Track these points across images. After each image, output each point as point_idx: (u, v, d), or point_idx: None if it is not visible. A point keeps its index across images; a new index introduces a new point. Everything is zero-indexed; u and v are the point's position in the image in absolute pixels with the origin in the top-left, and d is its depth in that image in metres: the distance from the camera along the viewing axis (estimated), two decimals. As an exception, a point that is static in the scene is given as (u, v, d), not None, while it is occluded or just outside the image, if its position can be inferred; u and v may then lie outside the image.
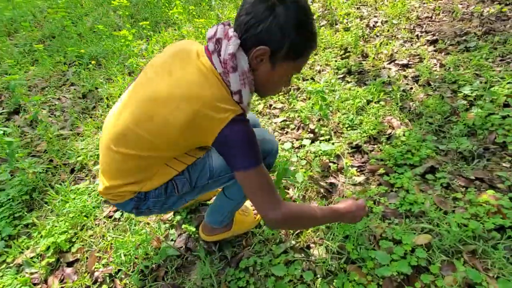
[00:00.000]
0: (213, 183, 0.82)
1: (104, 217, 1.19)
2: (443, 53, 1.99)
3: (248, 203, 1.13)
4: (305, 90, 1.80)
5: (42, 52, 2.43)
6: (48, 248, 1.08)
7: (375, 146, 1.38)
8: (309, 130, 1.51)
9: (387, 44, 2.19)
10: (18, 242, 1.12)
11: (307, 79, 1.92)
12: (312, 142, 1.42)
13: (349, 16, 2.71)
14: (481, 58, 1.82)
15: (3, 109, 1.93)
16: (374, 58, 2.07)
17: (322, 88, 1.42)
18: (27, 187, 1.33)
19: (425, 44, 2.14)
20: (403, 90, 1.70)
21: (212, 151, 0.81)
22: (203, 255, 0.98)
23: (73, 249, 1.09)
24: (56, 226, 1.14)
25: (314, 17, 0.67)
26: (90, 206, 1.22)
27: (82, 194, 1.27)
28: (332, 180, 1.24)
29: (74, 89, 2.17)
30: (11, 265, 1.06)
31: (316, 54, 2.21)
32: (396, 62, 2.00)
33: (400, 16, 2.53)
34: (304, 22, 0.61)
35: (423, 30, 2.32)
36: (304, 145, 1.39)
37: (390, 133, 1.42)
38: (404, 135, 1.37)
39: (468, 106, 1.50)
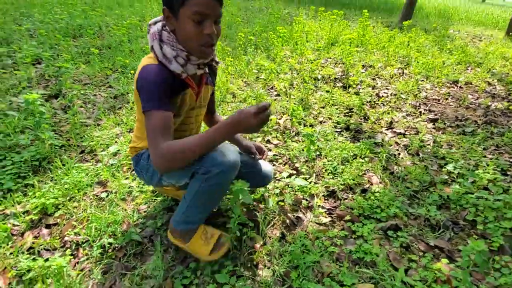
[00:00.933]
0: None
1: (93, 195, 1.34)
2: (440, 132, 2.12)
3: (211, 230, 1.07)
4: (300, 133, 1.97)
5: (95, 56, 2.88)
6: (36, 207, 1.22)
7: (350, 195, 1.46)
8: (294, 167, 1.64)
9: (389, 113, 2.37)
10: (14, 196, 1.27)
11: (307, 125, 2.10)
12: (291, 177, 1.54)
13: (362, 84, 2.98)
14: (474, 143, 1.92)
15: (45, 91, 2.27)
16: (374, 122, 2.24)
17: (313, 133, 1.58)
18: (40, 155, 1.53)
19: (425, 121, 2.29)
20: (391, 154, 1.81)
21: None
22: (160, 250, 1.07)
23: (56, 214, 1.22)
24: (50, 192, 1.29)
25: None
26: (85, 183, 1.38)
27: (81, 172, 1.44)
28: (300, 214, 1.32)
29: (110, 90, 2.50)
30: (5, 212, 1.20)
31: (323, 108, 2.43)
32: (394, 130, 2.15)
33: (409, 93, 2.75)
34: None
35: (427, 108, 2.50)
36: (283, 178, 1.50)
37: (367, 187, 1.51)
38: (379, 191, 1.45)
39: (449, 182, 1.56)
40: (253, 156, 1.19)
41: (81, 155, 1.63)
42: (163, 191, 1.27)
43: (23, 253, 1.05)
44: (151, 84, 0.78)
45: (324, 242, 1.15)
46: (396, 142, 1.97)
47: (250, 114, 0.73)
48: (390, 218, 1.31)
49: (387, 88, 2.91)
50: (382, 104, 2.57)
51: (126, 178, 1.45)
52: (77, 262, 1.04)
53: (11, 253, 1.05)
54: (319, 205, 1.37)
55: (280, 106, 2.37)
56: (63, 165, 1.49)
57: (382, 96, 2.72)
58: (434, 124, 2.23)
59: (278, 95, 2.64)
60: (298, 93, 2.62)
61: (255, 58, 3.46)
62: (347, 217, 1.29)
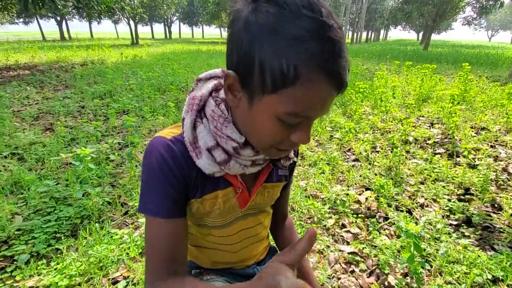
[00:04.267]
0: None
1: (109, 280, 1.07)
2: None
3: None
4: (394, 223, 1.39)
5: (170, 109, 3.05)
6: (48, 287, 1.01)
7: None
8: (386, 284, 1.07)
9: (538, 203, 1.56)
10: (35, 264, 1.11)
11: (401, 210, 1.51)
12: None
13: (477, 152, 2.22)
14: None
15: (122, 140, 2.38)
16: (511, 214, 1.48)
17: (419, 232, 1.03)
18: (86, 212, 1.42)
19: None
20: None
21: None
22: None
23: (63, 302, 0.98)
24: (70, 266, 1.09)
25: (341, 32, 0.36)
26: (110, 259, 1.15)
27: (113, 243, 1.23)
28: None
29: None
30: (16, 285, 1.03)
31: (422, 183, 1.80)
32: (555, 234, 1.34)
33: None
34: (291, 19, 0.33)
35: None
36: (371, 306, 0.95)
37: None
38: None
39: None
40: None
41: (123, 217, 1.45)
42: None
43: None
44: (151, 172, 0.45)
45: None
46: None
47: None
48: None
49: (519, 162, 2.07)
50: (518, 186, 1.76)
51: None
52: None
53: None
54: None
55: (361, 176, 1.85)
56: (102, 228, 1.32)
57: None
58: None
59: (356, 159, 2.14)
60: (384, 159, 2.07)
61: (330, 114, 3.11)
62: None
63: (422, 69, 4.16)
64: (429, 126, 2.92)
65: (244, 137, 0.44)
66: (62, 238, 1.26)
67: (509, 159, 2.15)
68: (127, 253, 1.19)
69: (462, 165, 1.99)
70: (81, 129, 2.54)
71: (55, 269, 1.10)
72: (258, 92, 0.37)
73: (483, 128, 2.79)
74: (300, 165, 2.04)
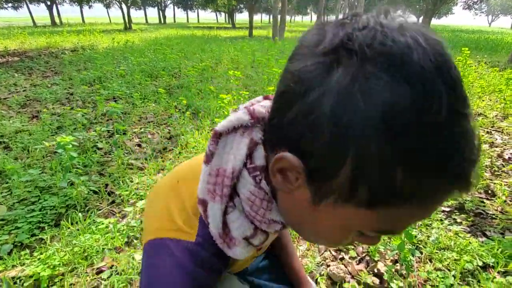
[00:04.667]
0: None
1: (94, 269, 1.05)
2: None
3: None
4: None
5: (161, 95, 2.97)
6: (30, 277, 0.99)
7: None
8: (375, 270, 1.05)
9: (532, 190, 1.55)
10: (19, 254, 1.09)
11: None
12: (373, 293, 0.96)
13: (474, 138, 2.19)
14: None
15: (111, 128, 2.32)
16: (505, 201, 1.47)
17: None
18: (71, 201, 1.38)
19: None
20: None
21: None
22: None
23: (46, 292, 0.96)
24: (54, 256, 1.07)
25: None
26: (95, 249, 1.12)
27: (98, 232, 1.20)
28: None
29: (167, 130, 2.43)
30: None
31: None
32: (547, 220, 1.33)
33: (559, 158, 1.84)
34: (415, 115, 0.21)
35: None
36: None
37: None
38: None
39: None
40: None
41: (110, 206, 1.42)
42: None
43: None
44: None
45: None
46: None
47: None
48: None
49: (517, 149, 2.04)
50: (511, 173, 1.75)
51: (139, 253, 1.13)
52: None
53: None
54: None
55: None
56: (87, 217, 1.28)
57: (510, 161, 1.88)
58: None
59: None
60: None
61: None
62: None
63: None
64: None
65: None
66: (46, 228, 1.23)
67: (505, 145, 2.13)
68: (112, 243, 1.16)
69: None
70: (69, 117, 2.47)
71: (38, 259, 1.07)
72: (338, 198, 0.25)
73: (479, 114, 2.76)
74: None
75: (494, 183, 1.62)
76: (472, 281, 1.00)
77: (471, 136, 0.23)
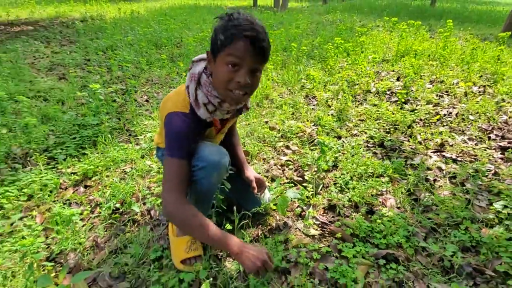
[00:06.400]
0: None
1: (122, 169, 1.62)
2: (508, 164, 1.69)
3: (199, 246, 1.09)
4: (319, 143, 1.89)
5: (165, 62, 3.43)
6: (81, 171, 1.56)
7: (352, 214, 1.33)
8: (301, 174, 1.59)
9: (444, 134, 2.02)
10: (71, 160, 1.66)
11: (334, 136, 1.99)
12: (295, 185, 1.50)
13: (422, 100, 2.62)
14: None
15: (122, 86, 2.83)
16: (420, 142, 1.95)
17: (328, 142, 1.52)
18: (100, 133, 1.93)
19: (492, 148, 1.87)
20: (426, 179, 1.55)
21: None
22: (146, 228, 1.22)
23: (93, 178, 1.54)
24: (95, 161, 1.63)
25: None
26: (120, 159, 1.68)
27: (121, 150, 1.76)
28: (288, 220, 1.28)
29: (169, 90, 2.93)
30: (60, 171, 1.58)
31: (363, 121, 2.25)
32: (443, 153, 1.83)
33: (483, 115, 2.28)
34: (229, 22, 0.78)
35: (501, 134, 2.02)
36: (285, 184, 1.48)
37: (377, 209, 1.35)
38: (389, 216, 1.28)
39: (493, 223, 1.25)
40: (251, 188, 1.20)
41: (128, 137, 1.97)
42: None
43: (60, 202, 1.37)
44: (174, 134, 0.85)
45: (301, 253, 1.09)
46: (439, 168, 1.67)
47: (256, 262, 0.80)
48: (391, 247, 1.14)
49: (453, 107, 2.48)
50: (440, 124, 2.21)
51: (149, 161, 1.69)
52: (90, 217, 1.29)
53: (54, 201, 1.38)
54: (313, 216, 1.30)
55: (315, 116, 2.31)
56: (111, 143, 1.85)
57: (443, 115, 2.33)
58: (503, 154, 1.79)
59: (317, 104, 2.57)
60: (338, 104, 2.50)
61: (307, 68, 3.45)
62: (338, 235, 1.19)
63: (405, 26, 4.32)
64: (396, 80, 3.27)
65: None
66: (86, 147, 1.80)
67: (447, 106, 2.55)
68: (131, 156, 1.72)
69: (404, 110, 2.41)
70: (89, 77, 2.98)
71: (84, 163, 1.64)
72: (216, 54, 0.80)
73: (441, 81, 3.13)
74: (268, 107, 2.49)
75: (419, 131, 2.09)
76: (364, 181, 1.52)
77: (250, 28, 0.77)
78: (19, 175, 1.49)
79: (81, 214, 1.30)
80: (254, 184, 1.20)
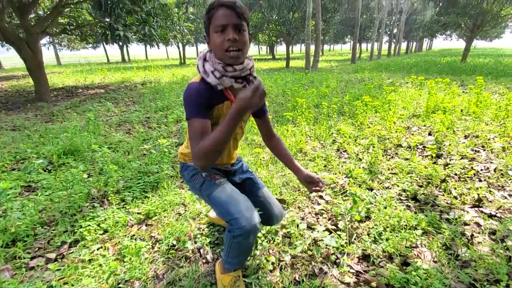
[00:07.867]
0: (202, 195, 1.19)
1: (177, 211, 1.89)
2: (556, 222, 1.64)
3: (242, 284, 1.23)
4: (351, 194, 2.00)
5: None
6: (144, 211, 1.86)
7: (387, 264, 1.39)
8: (337, 225, 1.70)
9: (484, 191, 2.02)
10: (137, 202, 1.99)
11: (366, 189, 2.10)
12: (330, 233, 1.61)
13: (457, 154, 2.65)
14: None
15: (178, 140, 3.31)
16: (455, 197, 1.97)
17: (356, 192, 1.66)
18: (159, 180, 2.29)
19: (537, 206, 1.82)
20: (463, 234, 1.56)
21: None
22: (197, 264, 1.41)
23: (153, 218, 1.82)
24: (155, 203, 1.94)
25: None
26: (175, 202, 1.97)
27: (176, 195, 2.06)
28: (324, 267, 1.39)
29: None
30: (128, 210, 1.90)
31: (394, 174, 2.34)
32: (481, 209, 1.82)
33: (523, 170, 2.24)
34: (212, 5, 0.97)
35: (546, 191, 1.96)
36: (319, 231, 1.61)
37: (411, 261, 1.39)
38: (425, 269, 1.32)
39: (539, 283, 1.23)
40: (314, 186, 1.24)
41: (181, 183, 2.30)
42: (211, 219, 1.68)
43: (128, 237, 1.64)
44: (190, 96, 0.98)
45: (336, 297, 1.18)
46: (477, 223, 1.68)
47: (248, 97, 0.86)
48: (426, 299, 1.18)
49: (491, 162, 2.47)
50: (476, 180, 2.21)
51: (199, 204, 1.95)
52: (151, 252, 1.52)
53: (124, 235, 1.66)
54: (348, 264, 1.39)
55: (346, 168, 2.46)
56: (169, 187, 2.17)
57: (480, 170, 2.33)
58: (550, 212, 1.74)
59: (348, 158, 2.74)
60: (368, 157, 2.64)
61: (338, 124, 3.71)
62: (374, 284, 1.26)
63: (433, 83, 4.51)
64: (428, 134, 3.35)
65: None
66: (149, 190, 2.14)
67: (484, 161, 2.54)
68: (184, 200, 2.01)
69: (438, 164, 2.47)
70: (149, 133, 3.56)
71: (147, 204, 1.96)
72: (208, 31, 0.99)
73: (476, 136, 3.13)
74: (302, 159, 2.71)
75: (455, 186, 2.11)
76: (397, 233, 1.59)
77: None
78: (97, 212, 1.83)
79: (144, 248, 1.54)
80: (316, 179, 1.24)
